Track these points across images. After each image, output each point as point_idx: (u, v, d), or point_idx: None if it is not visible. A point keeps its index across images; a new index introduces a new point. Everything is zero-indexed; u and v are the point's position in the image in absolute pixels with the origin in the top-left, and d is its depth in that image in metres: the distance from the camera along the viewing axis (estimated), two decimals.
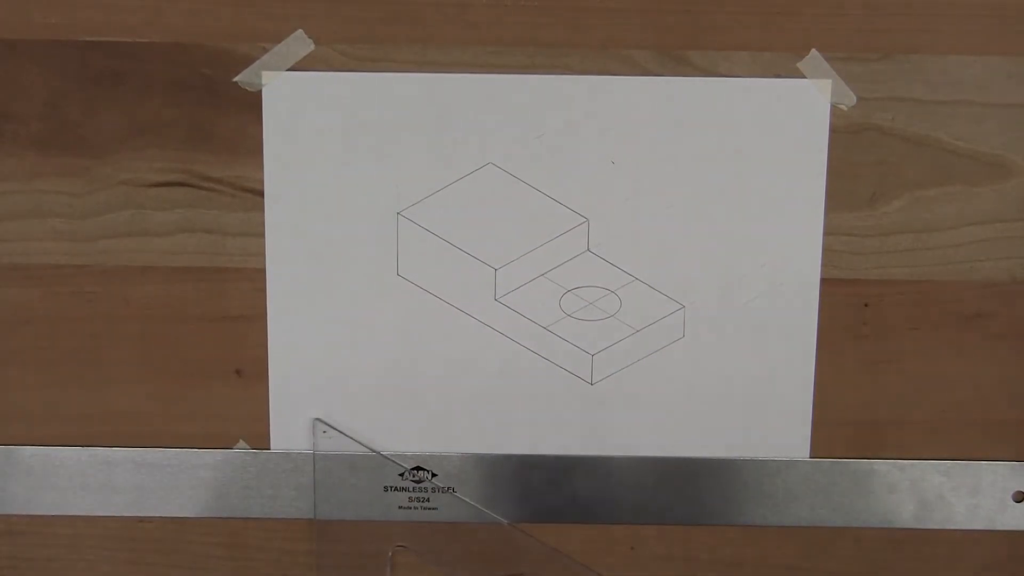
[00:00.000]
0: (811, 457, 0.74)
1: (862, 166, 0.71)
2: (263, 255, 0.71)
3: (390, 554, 0.75)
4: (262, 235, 0.71)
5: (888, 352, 0.73)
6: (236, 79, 0.70)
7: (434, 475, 0.74)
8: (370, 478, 0.74)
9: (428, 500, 0.74)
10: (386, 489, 0.74)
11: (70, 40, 0.69)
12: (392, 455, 0.74)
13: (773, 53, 0.70)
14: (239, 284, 0.71)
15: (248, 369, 0.72)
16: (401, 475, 0.74)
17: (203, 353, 0.72)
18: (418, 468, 0.74)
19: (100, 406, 0.73)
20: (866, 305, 0.72)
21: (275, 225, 0.71)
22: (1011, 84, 0.70)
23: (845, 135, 0.70)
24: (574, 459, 0.74)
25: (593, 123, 0.70)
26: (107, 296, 0.72)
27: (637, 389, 0.72)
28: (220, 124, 0.70)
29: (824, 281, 0.72)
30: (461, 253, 0.71)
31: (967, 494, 0.74)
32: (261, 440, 0.74)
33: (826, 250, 0.71)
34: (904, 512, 0.75)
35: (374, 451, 0.73)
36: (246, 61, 0.69)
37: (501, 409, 0.73)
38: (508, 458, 0.74)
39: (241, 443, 0.73)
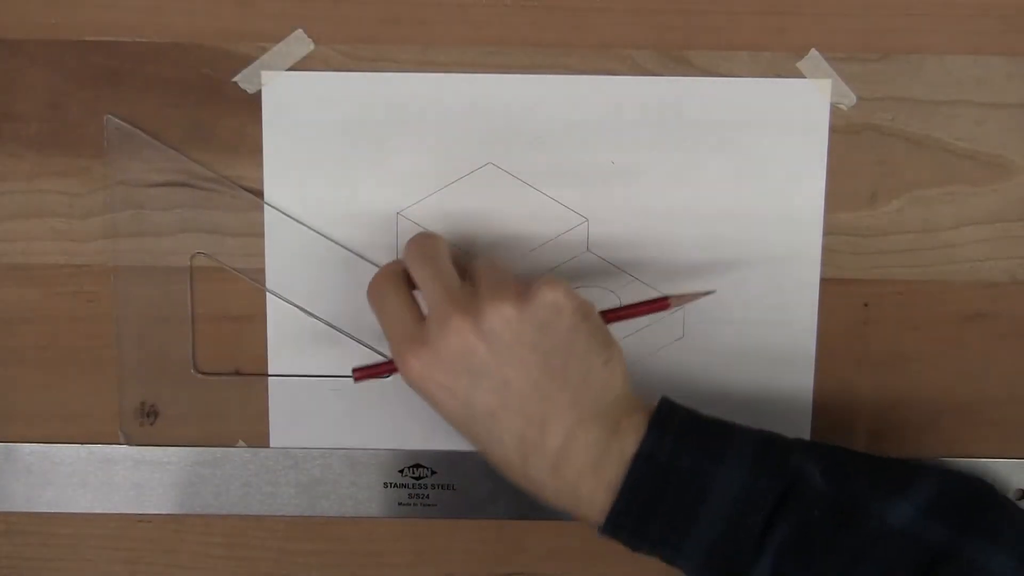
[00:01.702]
0: None
1: (862, 166, 0.71)
2: (263, 255, 0.71)
3: None
4: (262, 235, 0.71)
5: (888, 352, 0.73)
6: (236, 79, 0.70)
7: (433, 472, 0.74)
8: (370, 474, 0.74)
9: (428, 497, 0.74)
10: (386, 486, 0.74)
11: (70, 40, 0.69)
12: (392, 451, 0.74)
13: (773, 53, 0.70)
14: (239, 284, 0.71)
15: (248, 369, 0.72)
16: (401, 472, 0.74)
17: (203, 353, 0.72)
18: (418, 465, 0.74)
19: (100, 405, 0.73)
20: (866, 305, 0.72)
21: (275, 225, 0.71)
22: (1011, 84, 0.70)
23: (845, 135, 0.70)
24: None
25: (593, 123, 0.70)
26: (107, 296, 0.72)
27: (637, 389, 0.72)
28: (220, 124, 0.70)
29: (824, 281, 0.72)
30: (461, 253, 0.71)
31: None
32: (261, 440, 0.74)
33: (826, 250, 0.71)
34: None
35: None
36: (246, 61, 0.69)
37: None
38: None
39: (240, 443, 0.73)
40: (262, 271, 0.71)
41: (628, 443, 0.61)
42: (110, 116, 0.70)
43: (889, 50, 0.70)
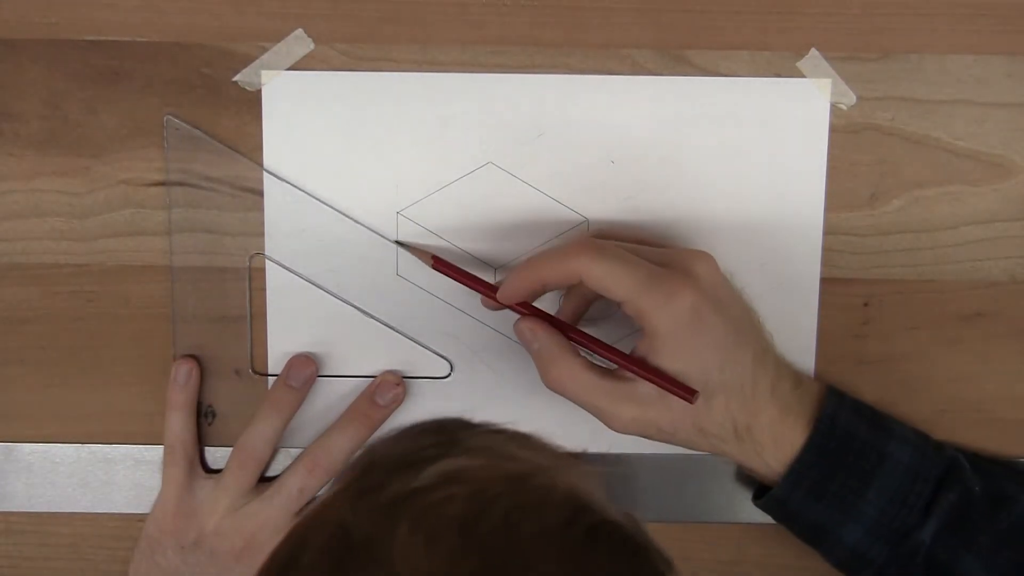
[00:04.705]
0: None
1: (862, 166, 0.71)
2: (262, 255, 0.71)
3: None
4: (262, 235, 0.71)
5: (888, 352, 0.73)
6: (236, 79, 0.70)
7: None
8: None
9: None
10: None
11: (70, 40, 0.69)
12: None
13: (773, 53, 0.70)
14: (239, 284, 0.71)
15: (248, 369, 0.72)
16: None
17: (202, 353, 0.72)
18: None
19: (100, 405, 0.73)
20: (866, 305, 0.72)
21: (275, 225, 0.71)
22: (1011, 84, 0.70)
23: (845, 135, 0.70)
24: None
25: (593, 123, 0.70)
26: (107, 296, 0.72)
27: None
28: (220, 124, 0.70)
29: (824, 281, 0.72)
30: (461, 253, 0.71)
31: None
32: None
33: (826, 250, 0.71)
34: None
35: None
36: (246, 61, 0.69)
37: (501, 408, 0.73)
38: None
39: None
40: (262, 271, 0.71)
41: (807, 402, 0.67)
42: (170, 117, 0.70)
43: (889, 50, 0.70)
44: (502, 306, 0.67)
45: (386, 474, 0.46)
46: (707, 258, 0.65)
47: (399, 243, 0.71)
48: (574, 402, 0.66)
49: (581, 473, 0.48)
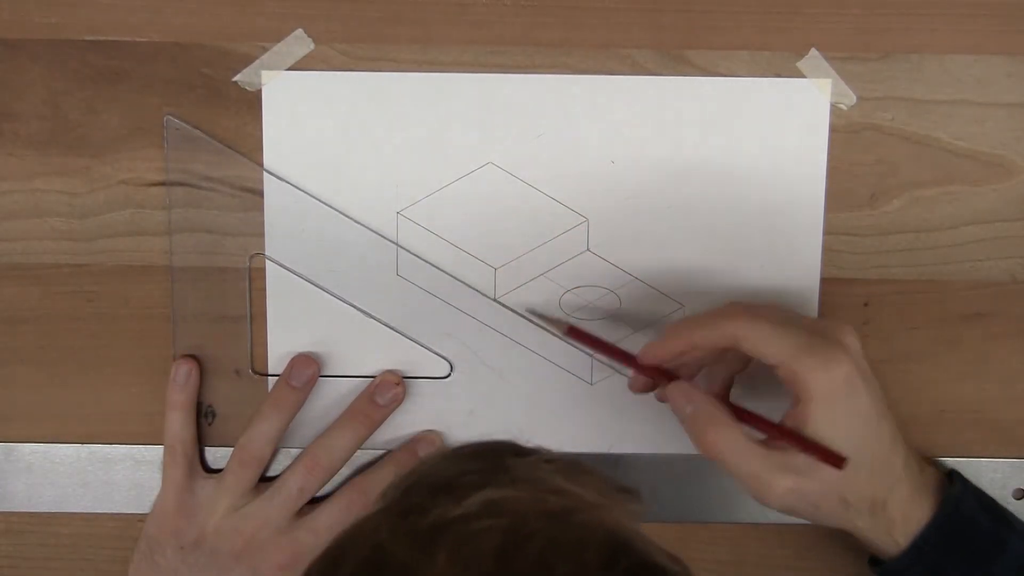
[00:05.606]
0: None
1: (862, 166, 0.71)
2: (263, 255, 0.71)
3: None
4: (262, 235, 0.71)
5: (888, 352, 0.73)
6: (235, 79, 0.70)
7: None
8: None
9: None
10: None
11: (70, 40, 0.69)
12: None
13: (773, 53, 0.70)
14: (239, 284, 0.71)
15: (248, 369, 0.72)
16: None
17: (202, 353, 0.72)
18: None
19: (100, 405, 0.73)
20: (866, 305, 0.72)
21: (275, 225, 0.71)
22: (1011, 84, 0.70)
23: (845, 135, 0.70)
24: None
25: (593, 123, 0.70)
26: (107, 296, 0.72)
27: None
28: (220, 124, 0.70)
29: (824, 281, 0.72)
30: (461, 253, 0.71)
31: None
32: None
33: (826, 250, 0.71)
34: None
35: None
36: (246, 61, 0.69)
37: (501, 408, 0.73)
38: None
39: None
40: (262, 271, 0.71)
41: (933, 484, 0.67)
42: (170, 117, 0.70)
43: (889, 50, 0.70)
44: (642, 374, 0.67)
45: (429, 497, 0.46)
46: (853, 330, 0.65)
47: (532, 312, 0.71)
48: (727, 469, 0.64)
49: (628, 512, 0.47)
